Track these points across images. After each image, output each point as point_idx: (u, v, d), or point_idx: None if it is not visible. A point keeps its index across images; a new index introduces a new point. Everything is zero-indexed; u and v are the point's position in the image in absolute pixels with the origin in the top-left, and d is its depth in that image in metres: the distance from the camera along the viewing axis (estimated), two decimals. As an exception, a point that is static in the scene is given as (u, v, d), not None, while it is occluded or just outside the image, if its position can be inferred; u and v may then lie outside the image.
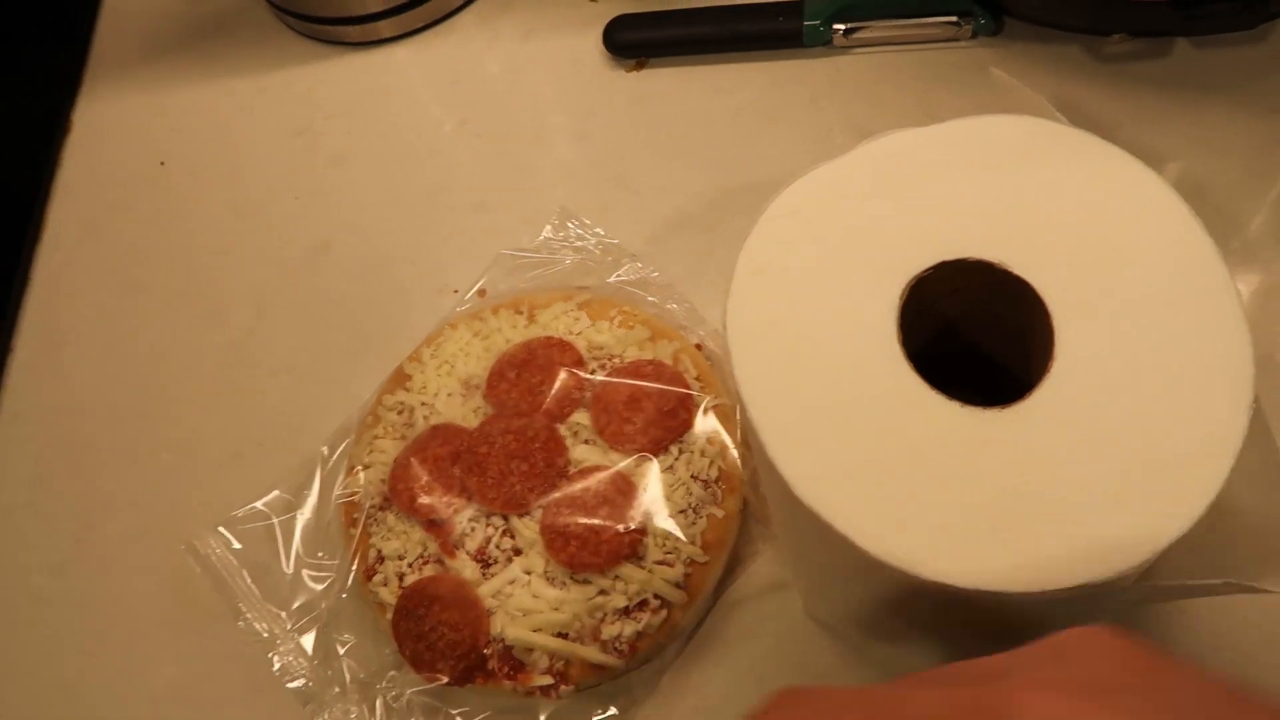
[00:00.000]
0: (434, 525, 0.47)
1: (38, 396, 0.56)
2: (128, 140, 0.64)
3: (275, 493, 0.50)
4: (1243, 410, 0.33)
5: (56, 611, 0.51)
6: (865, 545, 0.33)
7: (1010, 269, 0.36)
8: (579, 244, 0.55)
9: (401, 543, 0.47)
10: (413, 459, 0.48)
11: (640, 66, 0.62)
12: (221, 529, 0.49)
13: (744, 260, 0.38)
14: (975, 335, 0.43)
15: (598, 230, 0.55)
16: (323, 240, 0.59)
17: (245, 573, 0.48)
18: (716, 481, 0.47)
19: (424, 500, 0.47)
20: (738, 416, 0.43)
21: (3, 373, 0.57)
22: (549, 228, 0.56)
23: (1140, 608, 0.44)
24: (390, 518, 0.47)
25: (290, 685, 0.46)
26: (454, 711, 0.45)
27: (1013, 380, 0.36)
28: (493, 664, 0.44)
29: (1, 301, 0.59)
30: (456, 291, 0.55)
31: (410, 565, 0.46)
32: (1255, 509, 0.34)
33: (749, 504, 0.47)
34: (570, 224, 0.56)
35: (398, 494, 0.47)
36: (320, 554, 0.49)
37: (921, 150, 0.39)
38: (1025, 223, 0.37)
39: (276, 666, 0.46)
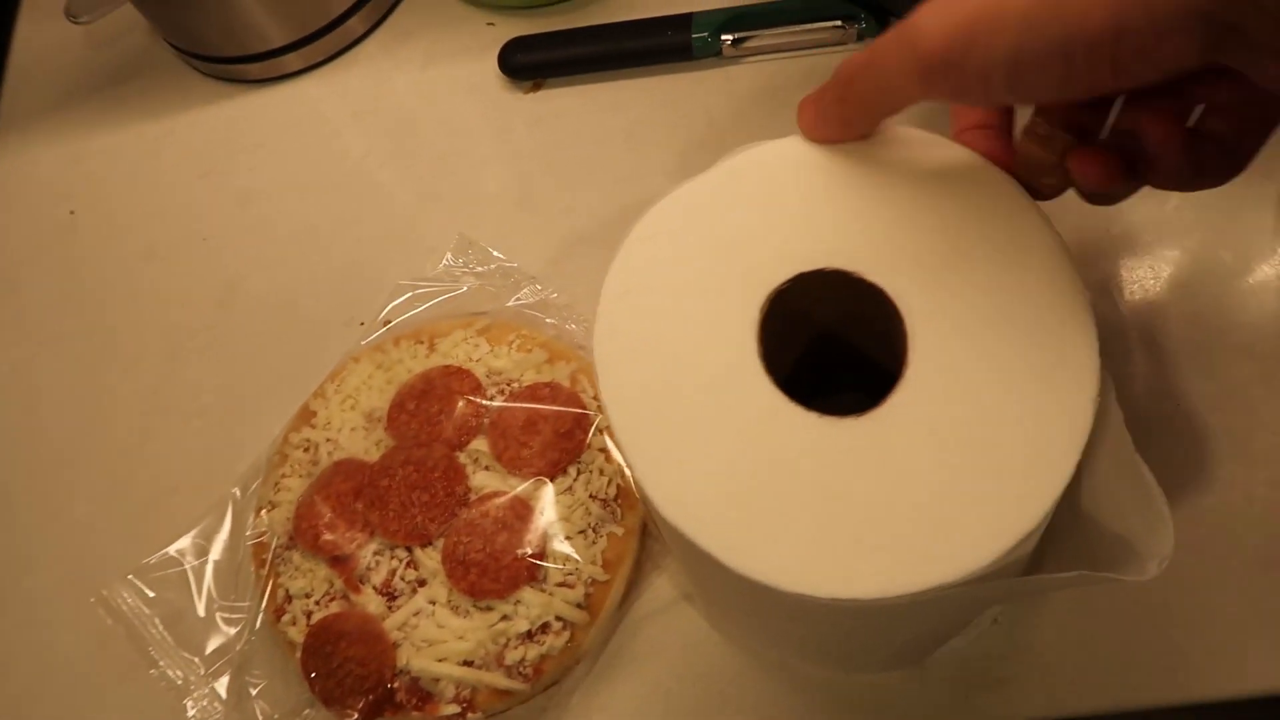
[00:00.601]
0: (339, 561, 0.47)
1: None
2: (37, 190, 0.65)
3: (188, 537, 0.51)
4: (1087, 407, 0.34)
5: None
6: (731, 563, 0.33)
7: (864, 276, 0.37)
8: (479, 269, 0.56)
9: (308, 581, 0.47)
10: (316, 496, 0.48)
11: (537, 88, 0.62)
12: (133, 578, 0.50)
13: (609, 284, 0.38)
14: (852, 339, 0.44)
15: (497, 254, 0.56)
16: (232, 280, 0.60)
17: (158, 620, 0.49)
18: (615, 499, 0.47)
19: (328, 537, 0.47)
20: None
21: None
22: (449, 255, 0.56)
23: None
24: (297, 556, 0.48)
25: (207, 730, 0.46)
26: (366, 745, 0.45)
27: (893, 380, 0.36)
28: (401, 696, 0.44)
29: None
30: (363, 324, 0.56)
31: (317, 603, 0.47)
32: (1107, 503, 0.35)
33: (647, 520, 0.48)
34: (470, 250, 0.56)
35: (302, 532, 0.48)
36: (232, 597, 0.49)
37: (778, 162, 0.39)
38: (880, 229, 0.37)
39: (191, 713, 0.47)
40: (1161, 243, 0.51)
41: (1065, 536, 0.37)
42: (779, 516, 0.34)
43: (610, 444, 0.48)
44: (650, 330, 0.37)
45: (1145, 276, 0.50)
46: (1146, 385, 0.48)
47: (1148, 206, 0.51)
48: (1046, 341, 0.35)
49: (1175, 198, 0.51)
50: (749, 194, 0.39)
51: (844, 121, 0.38)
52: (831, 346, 0.44)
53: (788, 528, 0.34)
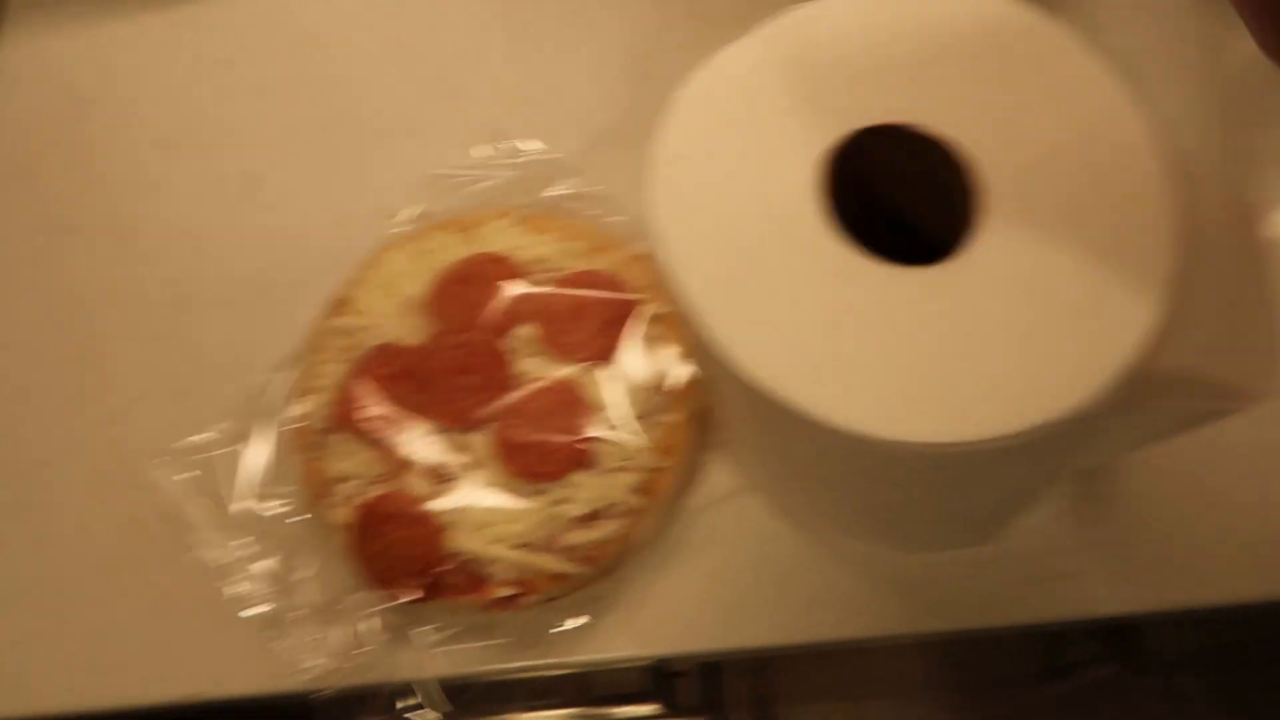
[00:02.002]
0: (383, 444, 0.46)
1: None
2: (52, 81, 0.62)
3: (227, 422, 0.49)
4: (1167, 255, 0.33)
5: (8, 555, 0.50)
6: (819, 415, 0.33)
7: (932, 132, 0.36)
8: (516, 160, 0.54)
9: (353, 464, 0.46)
10: (358, 380, 0.47)
11: (569, -21, 0.61)
12: (170, 460, 0.49)
13: (660, 145, 0.37)
14: (903, 202, 0.43)
15: (534, 145, 0.55)
16: (256, 171, 0.58)
17: (196, 504, 0.48)
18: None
19: (372, 420, 0.46)
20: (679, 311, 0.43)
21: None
22: (484, 145, 0.55)
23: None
24: (340, 440, 0.47)
25: (250, 613, 0.45)
26: (421, 628, 0.45)
27: (945, 247, 0.35)
28: (453, 579, 0.44)
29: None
30: (396, 215, 0.54)
31: (363, 486, 0.46)
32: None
33: (705, 408, 0.47)
34: (505, 141, 0.55)
35: (345, 416, 0.47)
36: (274, 481, 0.48)
37: (829, 21, 0.38)
38: (942, 85, 0.36)
39: (235, 594, 0.46)
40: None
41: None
42: (866, 368, 0.33)
43: (665, 332, 0.47)
44: (708, 192, 0.36)
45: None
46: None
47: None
48: (1121, 189, 0.34)
49: None
50: (800, 53, 0.38)
51: None
52: (874, 206, 0.43)
53: (875, 378, 0.33)
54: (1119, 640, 0.45)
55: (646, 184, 0.36)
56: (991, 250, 0.34)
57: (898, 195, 0.43)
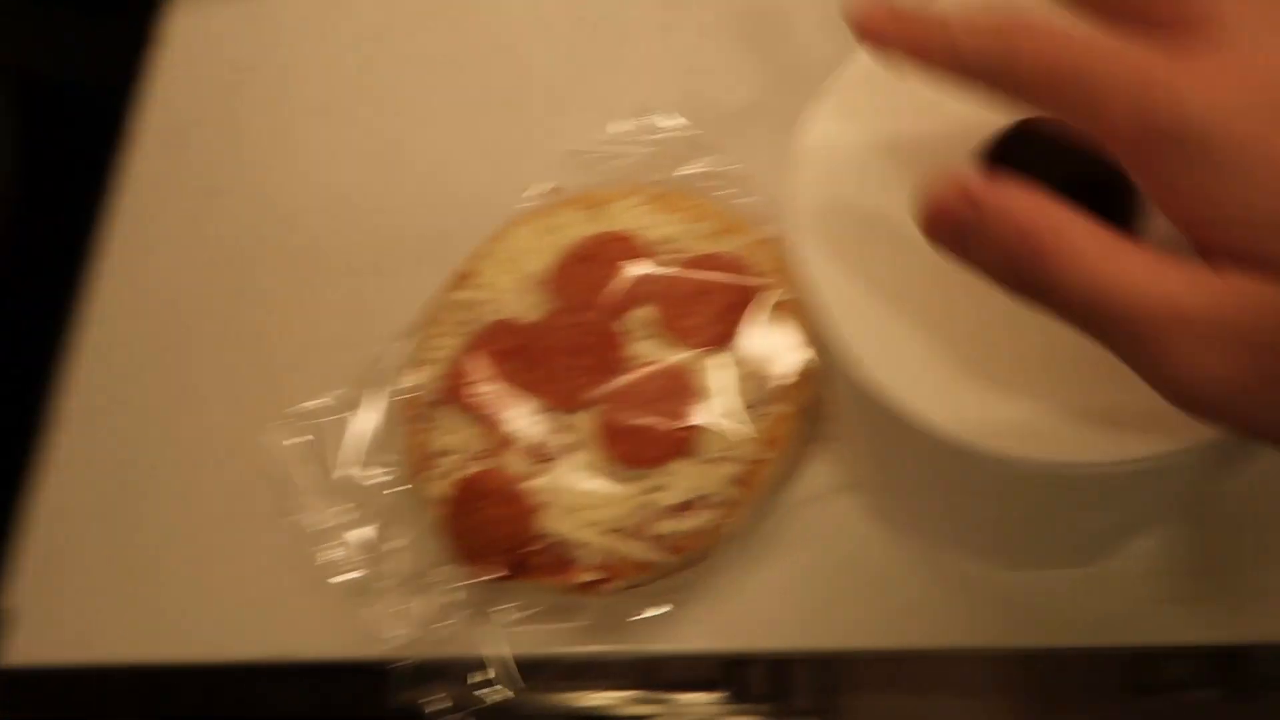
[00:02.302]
0: (490, 420, 0.45)
1: (124, 298, 0.56)
2: (212, 50, 0.64)
3: (339, 390, 0.49)
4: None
5: (135, 499, 0.51)
6: (945, 430, 0.30)
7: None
8: (654, 137, 0.53)
9: (456, 438, 0.45)
10: (472, 354, 0.46)
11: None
12: (284, 424, 0.49)
13: (801, 138, 0.35)
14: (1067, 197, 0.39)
15: (673, 121, 0.53)
16: (397, 142, 0.58)
17: (304, 468, 0.48)
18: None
19: (480, 395, 0.45)
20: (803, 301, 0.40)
21: (92, 275, 0.57)
22: (624, 121, 0.53)
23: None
24: (447, 414, 0.46)
25: (340, 579, 0.45)
26: (503, 606, 0.43)
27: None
28: (540, 559, 0.42)
29: (91, 207, 0.59)
30: (529, 191, 0.53)
31: (465, 461, 0.45)
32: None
33: (815, 402, 0.44)
34: (645, 116, 0.53)
35: (455, 390, 0.46)
36: (379, 451, 0.47)
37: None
38: None
39: (328, 560, 0.45)
40: None
41: None
42: (993, 382, 0.30)
43: (788, 320, 0.44)
44: (848, 187, 0.33)
45: None
46: None
47: None
48: None
49: None
50: None
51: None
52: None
53: (1001, 394, 0.30)
54: (1225, 661, 0.40)
55: (788, 168, 0.34)
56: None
57: (1065, 191, 0.39)
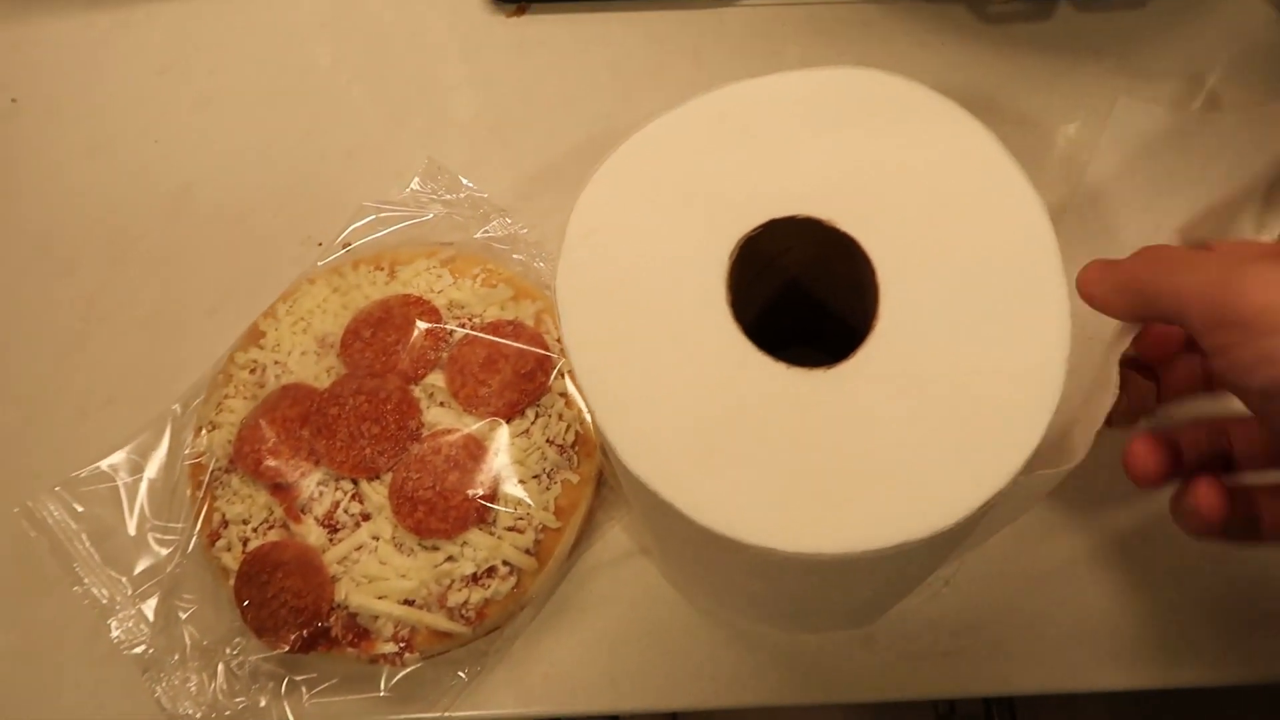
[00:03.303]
0: (280, 489, 0.45)
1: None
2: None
3: (122, 453, 0.48)
4: (1059, 366, 0.33)
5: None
6: (693, 515, 0.32)
7: (837, 225, 0.35)
8: (447, 197, 0.54)
9: (246, 506, 0.45)
10: (261, 420, 0.46)
11: (521, 12, 0.60)
12: (61, 491, 0.47)
13: (575, 221, 0.36)
14: (819, 291, 0.42)
15: (467, 183, 0.54)
16: (183, 186, 0.57)
17: (85, 536, 0.47)
18: (573, 446, 0.46)
19: (270, 463, 0.45)
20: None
21: None
22: (417, 180, 0.54)
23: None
24: (236, 480, 0.46)
25: (130, 652, 0.44)
26: (298, 678, 0.44)
27: (858, 335, 0.35)
28: (337, 631, 0.43)
29: None
30: (321, 244, 0.54)
31: (255, 530, 0.45)
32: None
33: (605, 469, 0.46)
34: (439, 176, 0.54)
35: (244, 456, 0.46)
36: (165, 517, 0.47)
37: (758, 102, 0.37)
38: (857, 178, 0.36)
39: (116, 633, 0.45)
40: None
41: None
42: (743, 468, 0.32)
43: (571, 388, 0.46)
44: (615, 271, 0.35)
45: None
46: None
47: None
48: (1020, 299, 0.34)
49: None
50: (723, 134, 0.37)
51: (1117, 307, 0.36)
52: (799, 296, 0.43)
53: (752, 480, 0.32)
54: (1003, 708, 0.45)
55: (560, 257, 0.35)
56: (886, 353, 0.33)
57: (819, 284, 0.42)
